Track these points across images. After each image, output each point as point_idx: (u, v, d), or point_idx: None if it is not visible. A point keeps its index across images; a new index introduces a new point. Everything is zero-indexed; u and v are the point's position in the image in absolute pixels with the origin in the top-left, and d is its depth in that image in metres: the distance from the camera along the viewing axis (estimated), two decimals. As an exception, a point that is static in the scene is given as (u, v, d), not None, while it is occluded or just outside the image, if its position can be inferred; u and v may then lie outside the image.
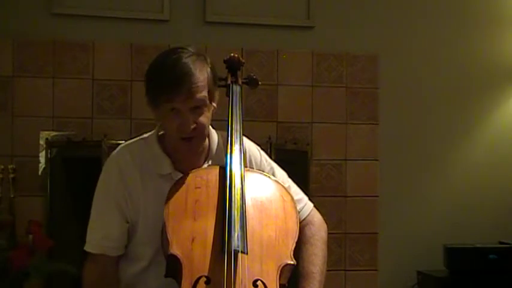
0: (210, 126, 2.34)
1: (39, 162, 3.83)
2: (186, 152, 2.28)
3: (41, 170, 3.83)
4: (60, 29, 4.00)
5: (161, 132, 2.37)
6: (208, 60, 2.28)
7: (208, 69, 2.25)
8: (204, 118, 2.24)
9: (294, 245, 2.17)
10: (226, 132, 2.35)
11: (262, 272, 2.07)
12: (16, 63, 3.94)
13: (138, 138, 2.42)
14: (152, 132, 2.39)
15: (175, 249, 2.07)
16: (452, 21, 4.53)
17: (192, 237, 2.10)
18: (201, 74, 2.21)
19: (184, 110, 2.19)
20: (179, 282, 2.03)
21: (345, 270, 4.27)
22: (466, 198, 4.47)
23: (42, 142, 3.83)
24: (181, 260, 2.05)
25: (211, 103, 2.27)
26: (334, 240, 4.23)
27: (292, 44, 4.28)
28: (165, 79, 2.19)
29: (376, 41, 4.39)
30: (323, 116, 4.28)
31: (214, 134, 2.39)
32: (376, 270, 4.31)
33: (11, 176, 3.76)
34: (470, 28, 4.55)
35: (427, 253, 4.28)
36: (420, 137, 4.46)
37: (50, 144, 3.83)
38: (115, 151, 2.37)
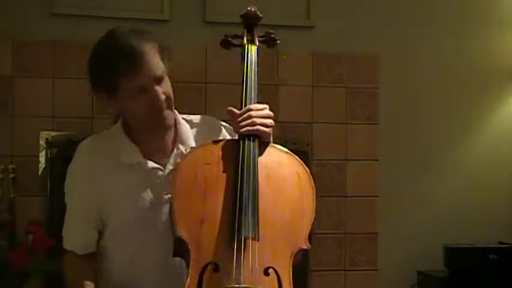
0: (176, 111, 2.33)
1: (39, 162, 3.83)
2: (161, 130, 2.25)
3: (41, 170, 3.83)
4: (60, 29, 3.99)
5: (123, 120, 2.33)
6: (151, 36, 2.23)
7: (155, 43, 2.21)
8: (169, 88, 2.22)
9: (310, 227, 2.08)
10: (240, 96, 2.26)
11: (275, 258, 1.98)
12: (16, 63, 3.93)
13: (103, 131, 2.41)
14: (116, 124, 2.35)
15: (183, 232, 1.99)
16: (452, 22, 4.54)
17: (201, 218, 2.02)
18: (149, 47, 2.17)
19: (150, 83, 2.15)
20: (187, 265, 1.97)
21: (344, 270, 4.28)
22: (466, 198, 4.48)
23: (42, 142, 3.83)
24: (188, 244, 1.97)
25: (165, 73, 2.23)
26: (333, 240, 4.27)
27: (292, 44, 4.24)
28: (120, 60, 2.14)
29: (376, 41, 4.39)
30: (323, 116, 4.30)
31: (179, 117, 2.35)
32: (376, 270, 4.31)
33: (11, 176, 3.77)
34: (470, 28, 4.56)
35: (427, 253, 4.28)
36: (420, 137, 4.47)
37: (50, 144, 3.83)
38: (80, 144, 2.36)
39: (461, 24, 4.56)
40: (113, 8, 4.07)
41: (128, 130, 2.31)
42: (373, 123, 4.35)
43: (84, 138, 3.71)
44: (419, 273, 4.24)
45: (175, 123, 2.33)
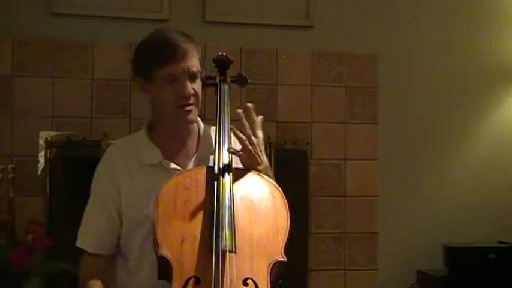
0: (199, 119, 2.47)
1: (38, 162, 3.84)
2: (183, 122, 2.36)
3: (40, 169, 3.84)
4: (60, 28, 4.01)
5: (150, 121, 2.46)
6: (190, 36, 2.40)
7: (199, 49, 2.39)
8: (199, 88, 2.36)
9: (285, 241, 2.18)
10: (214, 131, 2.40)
11: (253, 270, 2.08)
12: (15, 63, 3.95)
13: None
14: (141, 129, 2.48)
15: (165, 251, 2.09)
16: (451, 21, 4.55)
17: (181, 238, 2.12)
18: (193, 46, 2.35)
19: (182, 74, 2.30)
20: (170, 284, 2.05)
21: (344, 269, 4.29)
22: (466, 197, 4.49)
23: (41, 142, 3.85)
24: (171, 262, 2.07)
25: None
26: (333, 240, 4.27)
27: (291, 43, 4.31)
28: (160, 48, 2.31)
29: (375, 41, 4.41)
30: (322, 115, 4.30)
31: (201, 123, 2.49)
32: (376, 269, 4.32)
33: (11, 175, 3.79)
34: (469, 28, 4.58)
35: (427, 252, 4.30)
36: (419, 136, 4.49)
37: (49, 144, 3.85)
38: (107, 147, 2.51)
39: (460, 24, 4.57)
40: (113, 8, 4.10)
41: (152, 133, 2.44)
42: (372, 123, 4.36)
43: (83, 138, 3.86)
44: (419, 272, 4.26)
45: (198, 128, 2.47)
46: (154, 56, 2.32)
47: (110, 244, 2.40)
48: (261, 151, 2.32)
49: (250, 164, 2.31)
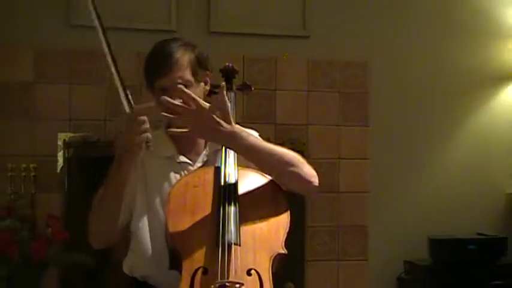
0: None
1: (57, 161, 3.91)
2: (177, 126, 2.37)
3: (59, 168, 3.93)
4: (77, 39, 4.00)
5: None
6: (196, 50, 2.52)
7: (192, 55, 2.48)
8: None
9: (285, 235, 2.28)
10: None
11: (256, 262, 2.17)
12: (37, 71, 4.03)
13: None
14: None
15: (175, 243, 2.21)
16: (436, 31, 4.65)
17: (191, 231, 2.22)
18: (182, 56, 2.45)
19: (171, 86, 2.40)
20: (180, 273, 2.15)
21: (337, 260, 4.40)
22: (448, 194, 4.59)
23: (60, 143, 3.92)
24: (181, 253, 2.17)
25: (199, 83, 2.51)
26: (328, 233, 4.37)
27: (289, 52, 4.37)
28: (151, 62, 2.49)
29: (366, 49, 4.49)
30: (318, 118, 4.40)
31: None
32: (366, 260, 4.42)
33: (32, 174, 3.89)
34: (453, 36, 4.67)
35: (413, 244, 4.40)
36: (407, 138, 4.56)
37: (67, 144, 3.91)
38: None
39: (445, 33, 4.68)
40: (124, 19, 4.13)
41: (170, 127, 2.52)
42: (363, 125, 4.46)
43: (98, 139, 3.96)
44: (406, 262, 4.36)
45: None
46: (149, 69, 2.49)
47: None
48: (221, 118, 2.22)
49: (204, 131, 2.26)
